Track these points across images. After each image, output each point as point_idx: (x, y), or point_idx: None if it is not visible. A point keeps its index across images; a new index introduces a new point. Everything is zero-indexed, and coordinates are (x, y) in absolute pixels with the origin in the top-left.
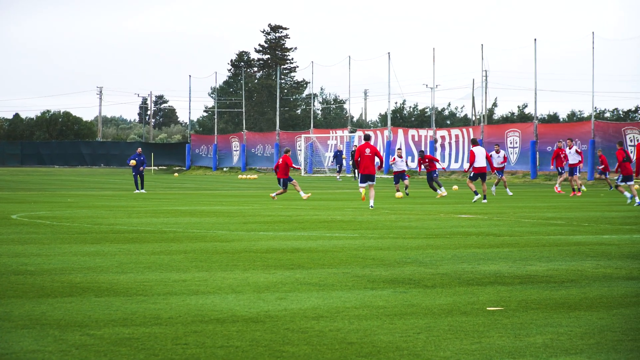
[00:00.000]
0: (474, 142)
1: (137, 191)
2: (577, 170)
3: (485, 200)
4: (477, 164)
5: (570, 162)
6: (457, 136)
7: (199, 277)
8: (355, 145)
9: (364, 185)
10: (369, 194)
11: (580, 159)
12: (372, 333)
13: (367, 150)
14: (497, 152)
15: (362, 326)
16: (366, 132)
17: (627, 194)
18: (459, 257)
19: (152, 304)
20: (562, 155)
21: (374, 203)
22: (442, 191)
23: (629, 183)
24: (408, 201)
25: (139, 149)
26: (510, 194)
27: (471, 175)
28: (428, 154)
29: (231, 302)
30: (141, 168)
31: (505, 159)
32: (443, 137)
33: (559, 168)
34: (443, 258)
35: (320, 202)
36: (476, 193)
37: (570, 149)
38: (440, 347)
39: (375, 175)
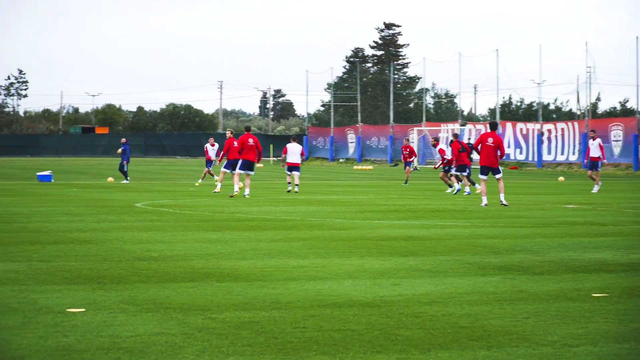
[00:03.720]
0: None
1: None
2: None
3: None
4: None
5: (592, 155)
6: (562, 130)
7: (317, 263)
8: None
9: (484, 177)
10: (499, 187)
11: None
12: (483, 317)
13: (490, 140)
14: (594, 139)
15: (473, 311)
16: (493, 121)
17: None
18: (565, 245)
19: (271, 289)
20: None
21: (504, 199)
22: (455, 187)
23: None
24: (515, 192)
25: (123, 139)
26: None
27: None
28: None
29: (348, 288)
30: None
31: (601, 147)
32: (549, 131)
33: None
34: (550, 246)
35: (432, 192)
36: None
37: (593, 140)
38: (548, 331)
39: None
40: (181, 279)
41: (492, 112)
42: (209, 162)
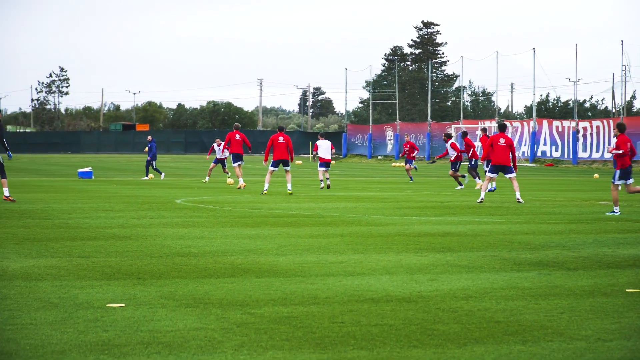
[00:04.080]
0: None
1: (145, 178)
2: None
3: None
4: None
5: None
6: (597, 127)
7: (355, 259)
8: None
9: (493, 175)
10: (513, 186)
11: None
12: (518, 312)
13: (502, 140)
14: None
15: (509, 306)
16: (501, 122)
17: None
18: (600, 241)
19: (310, 284)
20: None
21: (520, 196)
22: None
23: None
24: (550, 188)
25: (149, 137)
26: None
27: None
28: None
29: (385, 283)
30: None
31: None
32: (585, 129)
33: None
34: (585, 242)
35: (469, 188)
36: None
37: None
38: (582, 326)
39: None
40: (220, 274)
41: (529, 109)
42: (216, 160)
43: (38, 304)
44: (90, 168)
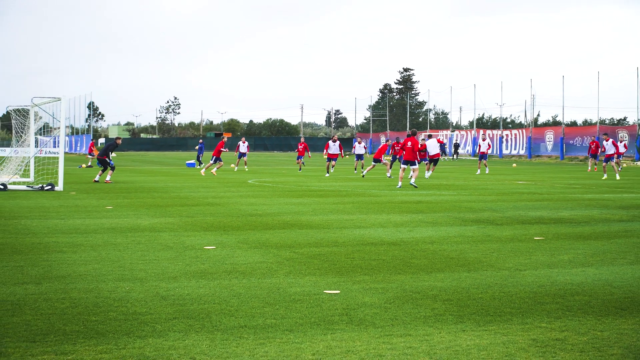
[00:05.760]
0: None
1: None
2: (613, 158)
3: None
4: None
5: (607, 152)
6: (515, 134)
7: (361, 217)
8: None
9: (405, 166)
10: (413, 174)
11: (615, 150)
12: (465, 252)
13: (409, 143)
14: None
15: (459, 248)
16: (412, 130)
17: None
18: (517, 206)
19: (332, 234)
20: (593, 147)
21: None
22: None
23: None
24: (485, 174)
25: (200, 140)
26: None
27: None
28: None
29: (380, 233)
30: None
31: (489, 146)
32: (507, 135)
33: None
34: (507, 207)
35: (436, 172)
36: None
37: (607, 141)
38: (506, 261)
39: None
40: (276, 227)
41: (472, 123)
42: (240, 154)
43: (159, 246)
44: (193, 161)
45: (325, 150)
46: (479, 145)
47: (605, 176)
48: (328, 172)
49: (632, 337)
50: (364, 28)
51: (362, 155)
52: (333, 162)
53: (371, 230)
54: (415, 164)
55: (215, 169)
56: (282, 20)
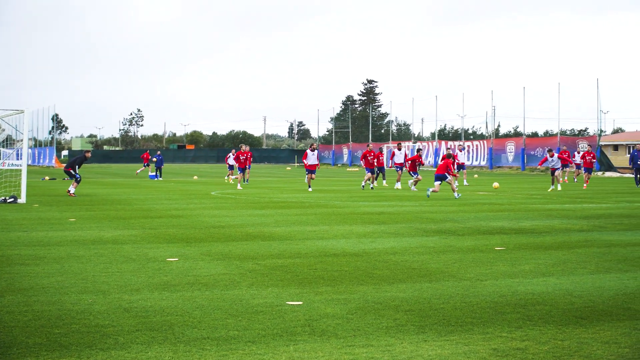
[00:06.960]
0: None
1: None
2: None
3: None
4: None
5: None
6: (477, 145)
7: (324, 229)
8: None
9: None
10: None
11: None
12: (426, 262)
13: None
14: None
15: (420, 259)
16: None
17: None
18: (478, 217)
19: (295, 245)
20: (565, 156)
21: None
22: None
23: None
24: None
25: (158, 152)
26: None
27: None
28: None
29: (343, 244)
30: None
31: (406, 155)
32: (468, 146)
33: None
34: (469, 218)
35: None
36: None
37: (552, 157)
38: (467, 271)
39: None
40: (239, 239)
41: (433, 134)
42: (230, 166)
43: (122, 259)
44: (156, 173)
45: (303, 161)
46: (455, 156)
47: (552, 188)
48: (310, 187)
49: (592, 346)
50: (328, 40)
51: (400, 166)
52: (313, 175)
53: (334, 241)
54: (446, 177)
55: (235, 177)
56: (245, 32)
